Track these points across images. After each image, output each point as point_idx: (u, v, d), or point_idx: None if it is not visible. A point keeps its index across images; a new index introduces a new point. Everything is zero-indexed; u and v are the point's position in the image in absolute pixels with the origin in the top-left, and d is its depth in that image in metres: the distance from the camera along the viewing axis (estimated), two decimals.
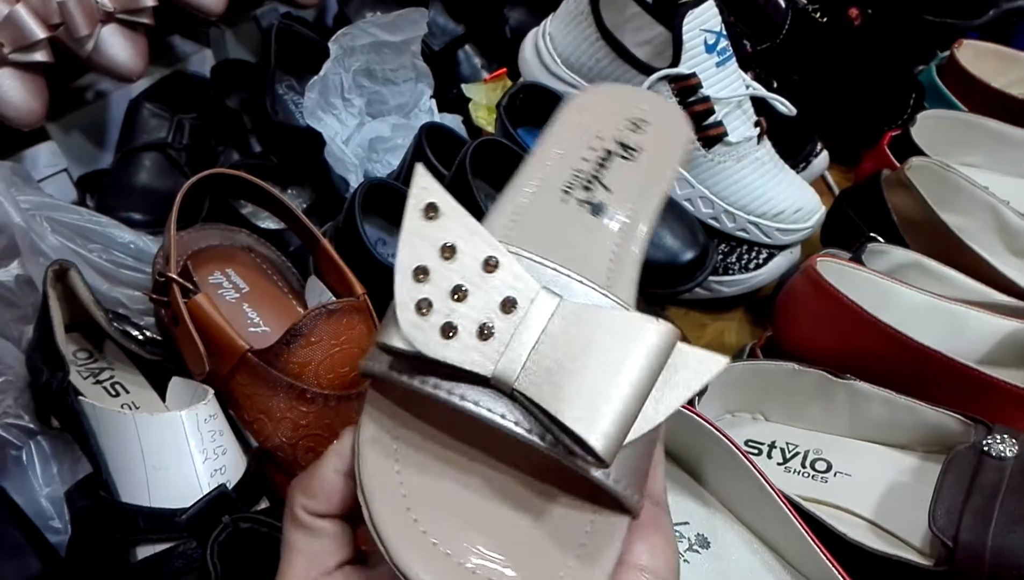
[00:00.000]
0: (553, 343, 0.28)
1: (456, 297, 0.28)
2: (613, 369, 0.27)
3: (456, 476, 0.30)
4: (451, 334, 0.28)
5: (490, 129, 0.84)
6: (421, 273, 0.28)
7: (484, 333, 0.28)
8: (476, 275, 0.28)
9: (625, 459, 0.29)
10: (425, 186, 0.29)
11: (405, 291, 0.28)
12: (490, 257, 0.29)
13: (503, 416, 0.28)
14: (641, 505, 0.31)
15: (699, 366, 0.29)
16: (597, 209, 0.37)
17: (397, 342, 0.28)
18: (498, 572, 0.28)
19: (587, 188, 0.38)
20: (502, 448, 0.30)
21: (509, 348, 0.28)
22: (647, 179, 0.39)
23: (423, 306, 0.28)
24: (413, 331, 0.28)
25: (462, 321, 0.28)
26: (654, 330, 0.28)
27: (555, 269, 0.31)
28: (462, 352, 0.28)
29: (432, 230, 0.29)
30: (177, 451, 0.51)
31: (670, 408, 0.28)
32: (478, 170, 0.68)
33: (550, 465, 0.30)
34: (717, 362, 0.29)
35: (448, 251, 0.29)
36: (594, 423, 0.27)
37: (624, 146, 0.40)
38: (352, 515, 0.32)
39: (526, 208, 0.36)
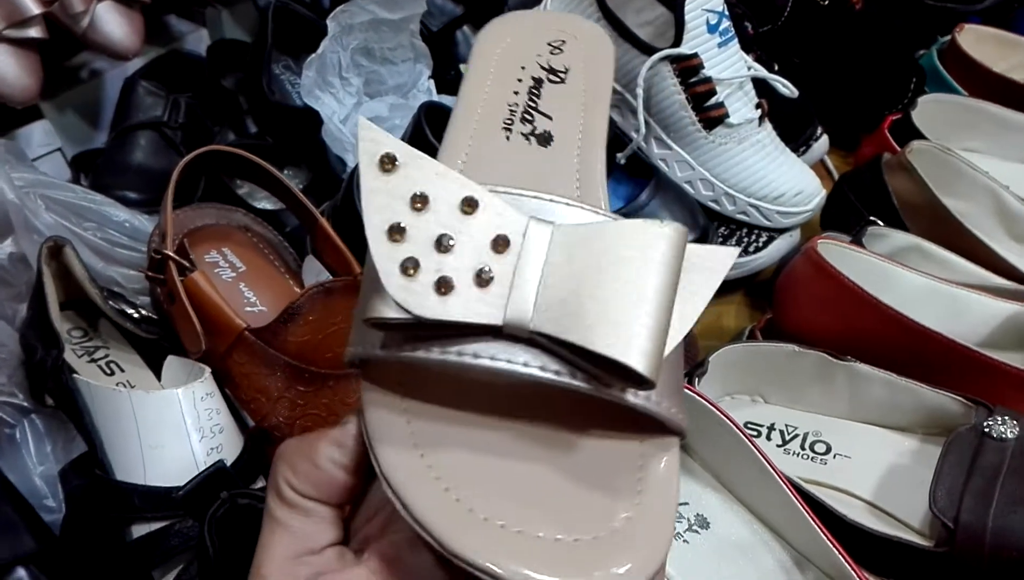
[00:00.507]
0: (560, 272, 0.26)
1: (441, 248, 0.25)
2: (633, 284, 0.25)
3: (485, 443, 0.27)
4: (447, 289, 0.25)
5: None
6: (395, 232, 0.25)
7: (482, 279, 0.26)
8: (456, 220, 0.26)
9: (661, 378, 0.26)
10: (373, 138, 0.26)
11: (384, 255, 0.25)
12: (467, 197, 0.26)
13: (526, 364, 0.26)
14: (686, 423, 0.29)
15: (710, 264, 0.27)
16: (543, 139, 0.36)
17: (388, 312, 0.25)
18: (551, 533, 0.25)
19: (526, 119, 0.36)
20: (524, 399, 0.28)
21: (514, 289, 0.25)
22: (585, 97, 0.38)
23: (409, 266, 0.25)
24: (405, 296, 0.25)
25: (455, 273, 0.26)
26: (664, 233, 0.26)
27: (535, 196, 0.28)
28: (465, 306, 0.25)
29: (395, 182, 0.26)
30: (173, 429, 0.50)
31: (695, 315, 0.27)
32: None
33: (581, 407, 0.28)
34: (727, 254, 0.28)
35: (419, 201, 0.26)
36: (631, 344, 0.24)
37: (551, 70, 0.39)
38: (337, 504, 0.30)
39: (472, 154, 0.34)
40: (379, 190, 0.26)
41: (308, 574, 0.28)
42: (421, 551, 0.28)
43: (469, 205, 0.26)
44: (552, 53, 0.39)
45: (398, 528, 0.29)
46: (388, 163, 0.26)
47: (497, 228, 0.26)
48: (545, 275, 0.26)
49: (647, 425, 0.28)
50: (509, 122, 0.36)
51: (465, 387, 0.28)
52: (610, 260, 0.25)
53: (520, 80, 0.38)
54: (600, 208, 0.29)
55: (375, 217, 0.26)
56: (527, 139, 0.36)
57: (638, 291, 0.25)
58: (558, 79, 0.38)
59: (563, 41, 0.40)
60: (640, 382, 0.25)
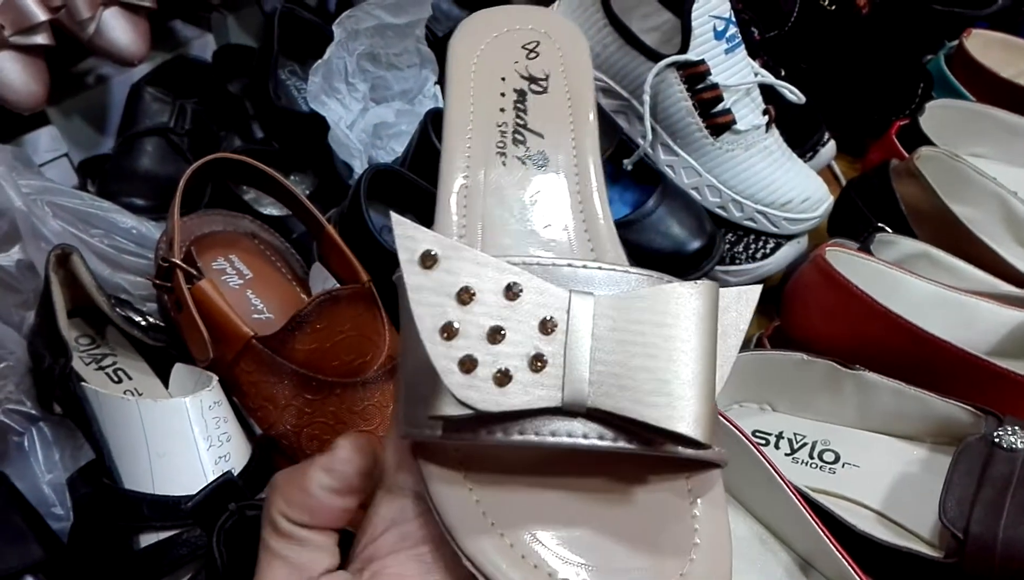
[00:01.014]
0: (607, 346, 0.26)
1: (494, 340, 0.26)
2: (677, 349, 0.26)
3: (551, 506, 0.28)
4: (506, 381, 0.26)
5: None
6: (448, 331, 0.26)
7: (537, 365, 0.26)
8: (503, 309, 0.26)
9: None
10: (410, 235, 0.27)
11: (441, 355, 0.26)
12: (510, 284, 0.27)
13: (585, 436, 0.27)
14: (726, 455, 0.30)
15: (739, 304, 0.29)
16: (540, 161, 0.36)
17: (452, 410, 0.26)
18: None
19: (518, 140, 0.36)
20: (576, 455, 0.29)
21: (568, 369, 0.26)
22: (571, 106, 0.38)
23: (467, 363, 0.26)
24: (467, 393, 0.26)
25: (510, 362, 0.26)
26: (698, 293, 0.27)
27: (568, 264, 0.29)
28: (525, 393, 0.26)
29: (439, 278, 0.26)
30: (181, 438, 0.50)
31: (731, 358, 0.28)
32: None
33: (629, 458, 0.29)
34: (753, 291, 0.29)
35: (465, 295, 0.26)
36: (685, 414, 0.26)
37: (532, 79, 0.38)
38: (337, 528, 0.31)
39: (472, 186, 0.34)
40: (425, 288, 0.26)
41: None
42: (427, 573, 0.29)
43: (512, 291, 0.26)
44: (529, 57, 0.39)
45: (401, 549, 0.30)
46: (429, 260, 0.26)
47: (542, 308, 0.27)
48: (594, 350, 0.26)
49: (693, 464, 0.30)
50: (502, 145, 0.36)
51: (520, 452, 0.29)
52: (653, 328, 0.26)
53: (503, 94, 0.38)
54: (621, 259, 0.31)
55: (426, 318, 0.26)
56: (523, 162, 0.36)
57: (683, 356, 0.26)
58: (540, 88, 0.38)
59: (537, 42, 0.40)
60: (696, 445, 0.27)
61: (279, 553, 0.30)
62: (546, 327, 0.26)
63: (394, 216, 0.27)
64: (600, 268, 0.29)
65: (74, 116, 0.82)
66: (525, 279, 0.27)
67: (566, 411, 0.27)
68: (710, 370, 0.27)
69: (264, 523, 0.31)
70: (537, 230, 0.29)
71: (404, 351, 0.30)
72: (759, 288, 0.29)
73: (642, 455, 0.28)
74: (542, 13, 0.41)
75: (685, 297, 0.27)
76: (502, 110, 0.37)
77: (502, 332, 0.26)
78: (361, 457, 0.30)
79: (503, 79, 0.38)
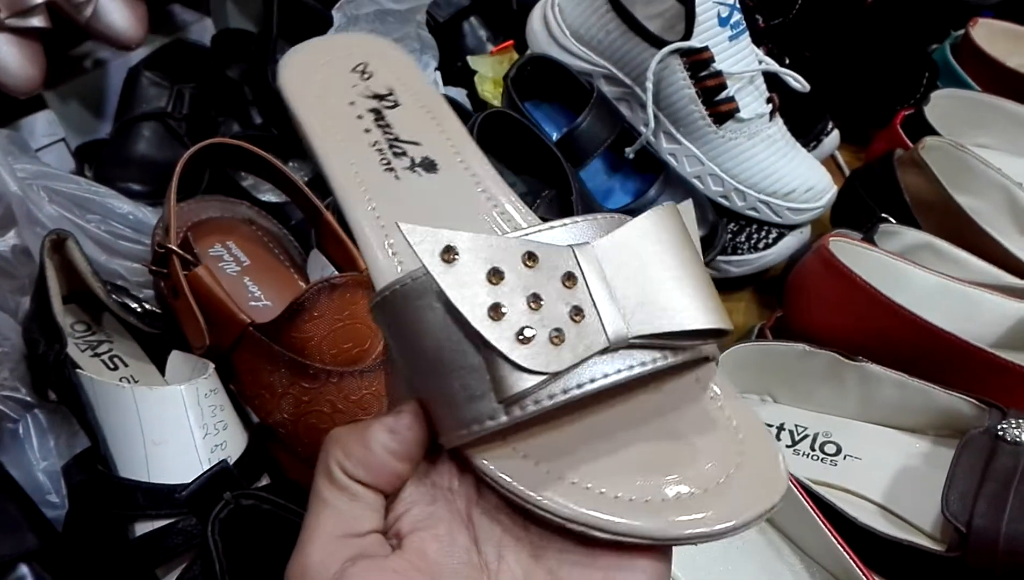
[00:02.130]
0: (620, 281, 0.28)
1: (535, 307, 0.27)
2: (676, 262, 0.29)
3: (583, 439, 0.30)
4: (560, 339, 0.27)
5: (496, 103, 0.83)
6: (494, 312, 0.27)
7: (577, 316, 0.28)
8: (530, 277, 0.28)
9: None
10: (423, 237, 0.28)
11: (497, 336, 0.27)
12: (525, 254, 0.28)
13: (631, 367, 0.28)
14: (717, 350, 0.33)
15: (686, 218, 0.31)
16: (428, 166, 0.37)
17: (527, 382, 0.27)
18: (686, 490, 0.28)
19: (398, 153, 0.37)
20: (595, 396, 0.30)
21: (601, 311, 0.28)
22: (427, 112, 0.38)
23: (523, 334, 0.27)
24: (537, 361, 0.27)
25: (557, 321, 0.27)
26: (671, 212, 0.30)
27: (549, 228, 0.30)
28: (579, 344, 0.27)
29: (465, 269, 0.27)
30: (177, 426, 0.50)
31: (701, 253, 0.31)
32: (485, 143, 0.67)
33: (646, 381, 0.31)
34: (687, 204, 0.32)
35: (494, 275, 0.27)
36: (708, 308, 0.29)
37: (378, 96, 0.39)
38: (387, 491, 0.31)
39: (382, 210, 0.35)
40: (455, 282, 0.27)
41: (350, 554, 0.29)
42: (454, 550, 0.30)
43: (531, 259, 0.28)
44: (364, 79, 0.40)
45: (431, 524, 0.30)
46: (448, 254, 0.27)
47: (559, 267, 0.28)
48: (613, 289, 0.28)
49: (693, 364, 0.32)
50: (386, 162, 0.37)
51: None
52: (648, 254, 0.29)
53: (360, 117, 0.38)
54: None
55: (470, 309, 0.27)
56: (413, 171, 0.37)
57: (683, 264, 0.29)
58: (391, 103, 0.39)
59: (364, 63, 0.40)
60: (721, 334, 0.29)
61: (330, 502, 0.30)
62: (567, 282, 0.28)
63: (402, 225, 0.28)
64: (564, 225, 0.30)
65: (71, 100, 0.81)
66: (534, 246, 0.28)
67: (605, 351, 0.28)
68: (703, 268, 0.30)
69: (319, 472, 0.31)
70: (462, 226, 0.29)
71: (416, 371, 0.30)
72: (689, 202, 0.33)
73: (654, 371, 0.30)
74: (355, 38, 0.42)
75: (664, 218, 0.30)
76: (367, 131, 0.38)
77: (539, 298, 0.27)
78: (421, 427, 0.31)
79: (352, 104, 0.38)
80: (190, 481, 0.48)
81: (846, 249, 0.63)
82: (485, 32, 0.93)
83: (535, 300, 0.27)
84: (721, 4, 0.71)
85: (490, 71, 0.87)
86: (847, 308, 0.61)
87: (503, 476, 0.29)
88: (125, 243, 0.66)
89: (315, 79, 0.39)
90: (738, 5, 0.72)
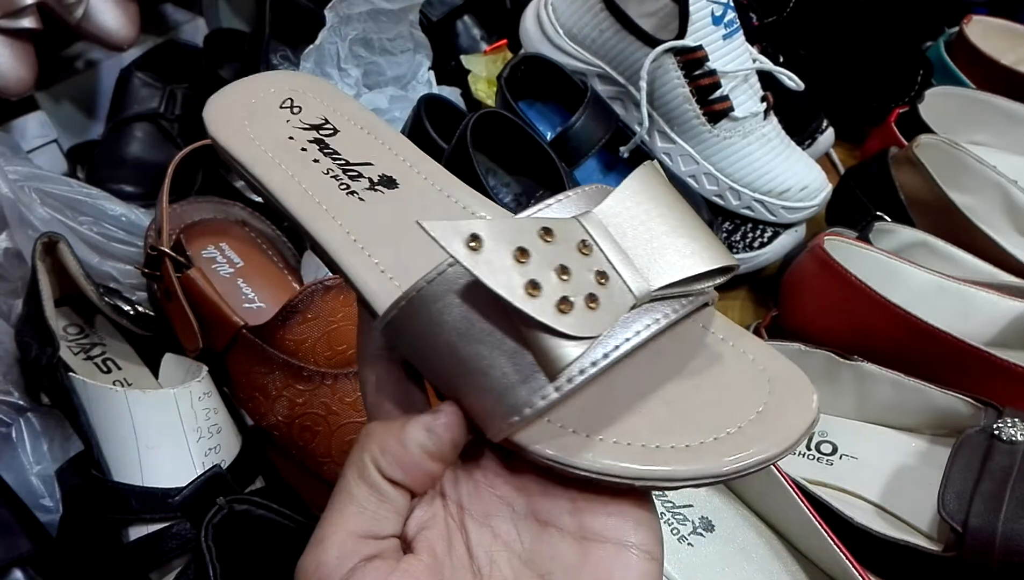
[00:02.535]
0: (630, 241, 0.30)
1: (564, 277, 0.28)
2: (672, 212, 0.30)
3: (612, 399, 0.30)
4: (594, 303, 0.28)
5: (490, 102, 0.82)
6: (531, 288, 0.27)
7: (602, 280, 0.28)
8: (552, 250, 0.28)
9: None
10: (445, 229, 0.28)
11: (538, 310, 0.27)
12: (541, 229, 0.28)
13: (657, 320, 0.30)
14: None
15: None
16: (387, 182, 0.37)
17: (575, 349, 0.27)
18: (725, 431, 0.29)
19: (353, 176, 0.37)
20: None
21: (621, 272, 0.29)
22: (368, 133, 0.39)
23: (563, 305, 0.27)
24: (581, 328, 0.27)
25: (587, 288, 0.28)
26: (654, 168, 0.32)
27: (543, 208, 0.31)
28: (612, 305, 0.28)
29: (492, 253, 0.28)
30: (170, 429, 0.50)
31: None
32: (479, 143, 0.67)
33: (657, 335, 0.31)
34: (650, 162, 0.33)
35: (520, 254, 0.28)
36: (714, 247, 0.30)
37: (314, 127, 0.39)
38: (418, 491, 0.31)
39: (356, 232, 0.35)
40: (486, 267, 0.27)
41: (367, 554, 0.29)
42: (454, 553, 0.30)
43: (547, 233, 0.28)
44: (295, 112, 0.40)
45: (435, 526, 0.30)
46: (473, 241, 0.27)
47: (573, 237, 0.29)
48: (626, 248, 0.29)
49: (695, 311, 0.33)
50: (345, 186, 0.36)
51: None
52: (645, 210, 0.30)
53: (304, 149, 0.38)
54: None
55: (508, 290, 0.27)
56: (376, 190, 0.37)
57: (680, 214, 0.31)
58: (329, 130, 0.39)
59: (290, 99, 0.40)
60: (730, 270, 0.31)
61: (357, 498, 0.30)
62: (583, 249, 0.29)
63: (423, 222, 0.28)
64: (559, 201, 0.32)
65: (63, 101, 0.81)
66: (547, 222, 0.29)
67: (632, 308, 0.29)
68: (694, 212, 0.31)
69: (349, 467, 0.30)
70: None
71: (447, 374, 0.30)
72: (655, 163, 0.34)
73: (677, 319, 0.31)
74: (272, 77, 0.42)
75: (649, 176, 0.31)
76: (316, 161, 0.37)
77: (567, 268, 0.28)
78: (459, 428, 0.30)
79: (291, 138, 0.38)
80: (184, 485, 0.48)
81: (841, 248, 0.63)
82: (479, 31, 0.93)
83: (564, 271, 0.28)
84: (715, 3, 0.71)
85: (484, 70, 0.86)
86: (842, 307, 0.61)
87: (558, 454, 0.29)
88: (118, 245, 0.66)
89: (246, 123, 0.39)
90: (732, 4, 0.72)
